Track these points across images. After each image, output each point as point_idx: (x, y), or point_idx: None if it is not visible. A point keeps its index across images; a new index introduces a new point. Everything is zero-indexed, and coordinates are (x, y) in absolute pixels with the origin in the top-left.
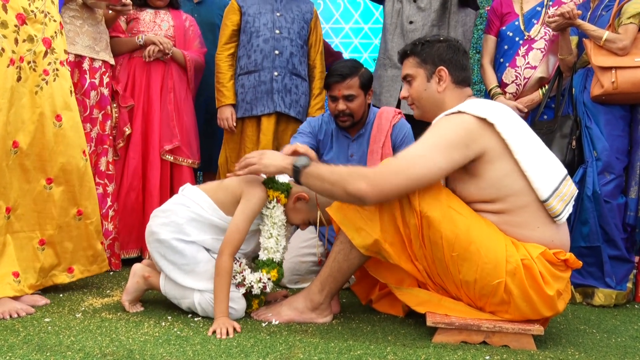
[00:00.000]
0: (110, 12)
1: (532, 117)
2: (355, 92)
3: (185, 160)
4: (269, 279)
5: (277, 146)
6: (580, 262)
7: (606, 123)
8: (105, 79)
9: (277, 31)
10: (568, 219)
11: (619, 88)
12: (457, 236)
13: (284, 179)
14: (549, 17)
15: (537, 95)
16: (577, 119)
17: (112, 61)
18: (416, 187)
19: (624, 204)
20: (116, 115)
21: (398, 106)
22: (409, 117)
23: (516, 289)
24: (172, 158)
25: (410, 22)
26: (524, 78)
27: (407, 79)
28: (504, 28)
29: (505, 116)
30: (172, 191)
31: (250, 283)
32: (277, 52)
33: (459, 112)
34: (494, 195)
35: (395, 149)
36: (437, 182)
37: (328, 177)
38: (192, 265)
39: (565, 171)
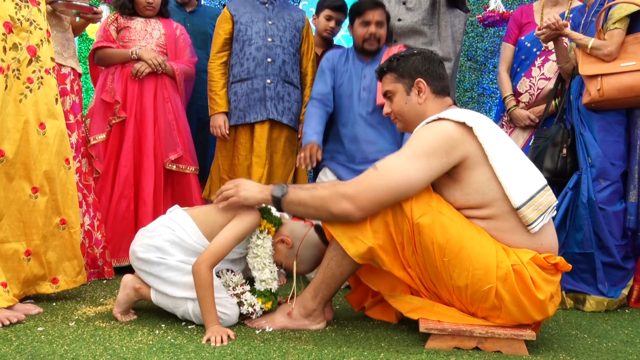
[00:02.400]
0: (78, 19)
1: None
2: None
3: (188, 168)
4: (261, 308)
5: (270, 153)
6: (570, 265)
7: (600, 129)
8: (75, 87)
9: (270, 39)
10: (562, 225)
11: (605, 95)
12: (448, 241)
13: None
14: (537, 30)
15: (550, 105)
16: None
17: (79, 69)
18: (398, 198)
19: (622, 210)
20: (85, 133)
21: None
22: None
23: (507, 295)
24: (175, 167)
25: (399, 20)
26: (538, 89)
27: (388, 95)
28: (522, 38)
29: (483, 123)
30: (174, 199)
31: (244, 300)
32: (269, 60)
33: (439, 119)
34: (480, 201)
35: None
36: (428, 189)
37: (310, 203)
38: (179, 276)
39: (544, 181)
